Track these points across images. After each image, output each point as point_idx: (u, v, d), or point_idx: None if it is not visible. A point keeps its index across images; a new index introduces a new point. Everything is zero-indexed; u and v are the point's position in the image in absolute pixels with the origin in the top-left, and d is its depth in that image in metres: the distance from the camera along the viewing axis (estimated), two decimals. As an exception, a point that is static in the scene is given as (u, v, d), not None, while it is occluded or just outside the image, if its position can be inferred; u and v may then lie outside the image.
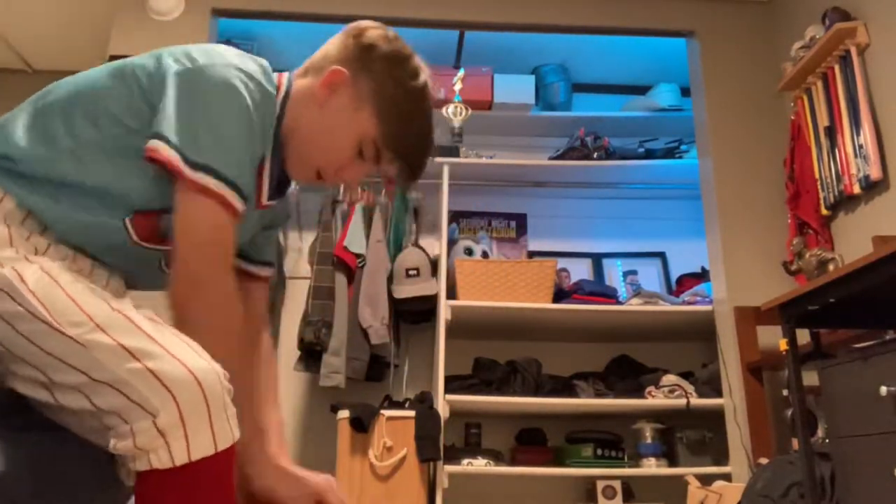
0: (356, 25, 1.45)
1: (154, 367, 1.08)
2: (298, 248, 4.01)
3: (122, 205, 1.28)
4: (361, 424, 3.24)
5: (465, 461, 3.40)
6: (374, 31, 1.43)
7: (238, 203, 1.27)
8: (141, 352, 1.09)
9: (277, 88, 1.41)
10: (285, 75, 1.45)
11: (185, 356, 1.11)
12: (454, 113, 3.99)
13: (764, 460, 2.90)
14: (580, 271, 4.11)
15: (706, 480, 3.08)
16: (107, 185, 1.27)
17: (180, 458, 1.06)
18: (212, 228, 1.26)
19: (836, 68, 3.13)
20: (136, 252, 1.33)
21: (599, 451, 3.48)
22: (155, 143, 1.24)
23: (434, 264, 3.71)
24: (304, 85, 1.43)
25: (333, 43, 1.46)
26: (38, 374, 1.14)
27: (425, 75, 1.44)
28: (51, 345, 1.12)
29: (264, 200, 1.46)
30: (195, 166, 1.24)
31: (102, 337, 1.11)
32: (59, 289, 1.16)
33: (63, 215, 1.26)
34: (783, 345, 2.38)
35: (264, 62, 1.41)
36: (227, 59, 1.32)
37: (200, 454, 1.08)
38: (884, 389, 1.88)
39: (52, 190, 1.26)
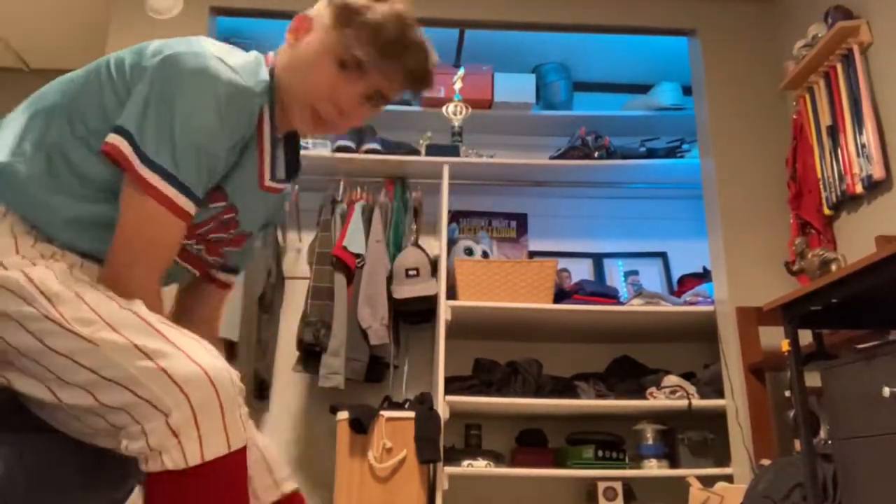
0: None
1: (166, 365, 1.07)
2: (297, 249, 4.00)
3: (115, 196, 1.27)
4: (361, 425, 3.22)
5: (466, 462, 3.39)
6: None
7: (188, 207, 1.26)
8: (153, 351, 1.09)
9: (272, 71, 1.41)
10: (270, 54, 1.45)
11: (197, 355, 1.10)
12: (454, 112, 3.98)
13: (766, 461, 2.88)
14: (581, 271, 4.09)
15: (708, 482, 3.06)
16: (96, 177, 1.26)
17: (193, 459, 1.05)
18: (153, 234, 1.24)
19: (839, 67, 3.11)
20: None
21: (600, 453, 3.47)
22: (113, 137, 1.23)
23: (434, 264, 3.70)
24: (279, 51, 1.45)
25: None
26: (45, 372, 1.13)
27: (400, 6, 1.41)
28: (61, 344, 1.11)
29: (267, 181, 1.44)
30: (150, 164, 1.22)
31: (113, 335, 1.10)
32: (67, 290, 1.15)
33: (62, 221, 1.25)
34: (785, 345, 2.37)
35: (254, 53, 1.40)
36: (205, 50, 1.30)
37: (214, 454, 1.07)
38: (886, 390, 1.87)
39: (49, 195, 1.25)
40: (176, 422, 1.05)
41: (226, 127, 1.28)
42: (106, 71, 1.31)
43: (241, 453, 1.11)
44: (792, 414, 2.73)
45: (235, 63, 1.32)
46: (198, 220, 1.38)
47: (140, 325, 1.12)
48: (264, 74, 1.39)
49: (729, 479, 3.23)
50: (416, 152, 3.93)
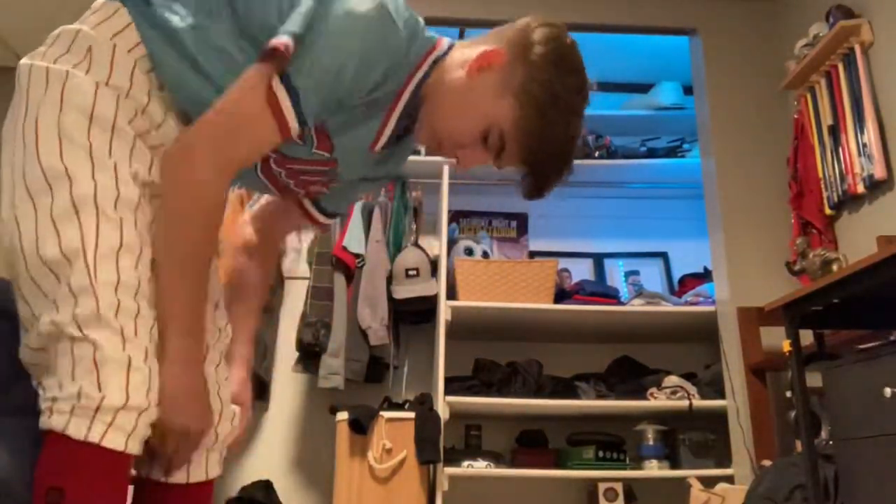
0: (536, 17, 1.38)
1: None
2: (297, 249, 3.99)
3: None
4: (360, 426, 3.21)
5: (466, 463, 3.38)
6: (549, 28, 1.35)
7: (293, 129, 1.25)
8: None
9: (434, 47, 1.37)
10: (447, 40, 1.41)
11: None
12: (454, 112, 3.96)
13: (767, 462, 2.87)
14: (581, 271, 4.08)
15: (709, 483, 3.05)
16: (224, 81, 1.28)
17: None
18: (250, 131, 1.24)
19: (840, 66, 3.10)
20: None
21: (601, 453, 3.46)
22: (281, 38, 1.22)
23: (434, 264, 3.69)
24: (463, 54, 1.36)
25: (508, 24, 1.39)
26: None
27: (584, 93, 1.35)
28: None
29: (379, 146, 1.42)
30: (287, 81, 1.21)
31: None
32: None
33: (190, 89, 1.28)
34: (786, 346, 2.36)
35: (420, 19, 1.37)
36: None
37: None
38: (888, 391, 1.86)
39: (189, 62, 1.27)
40: None
41: (371, 79, 1.28)
42: None
43: None
44: (793, 414, 2.72)
45: (402, 12, 1.31)
46: (294, 155, 1.38)
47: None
48: (422, 45, 1.36)
49: (730, 479, 3.22)
50: (417, 152, 3.90)
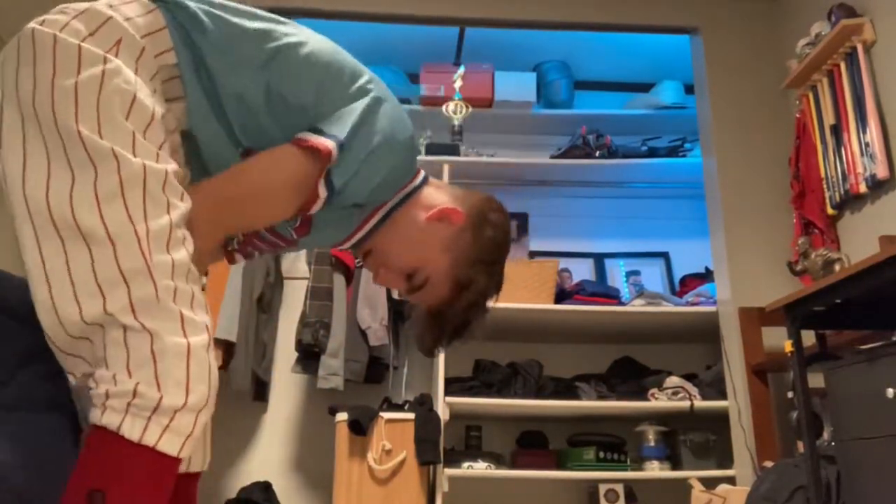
0: (493, 198, 1.54)
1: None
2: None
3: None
4: (360, 427, 3.20)
5: (466, 464, 3.36)
6: (502, 216, 1.51)
7: (310, 209, 1.29)
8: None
9: (415, 175, 1.47)
10: (422, 172, 1.50)
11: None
12: (454, 111, 3.96)
13: (769, 463, 2.86)
14: (582, 272, 4.07)
15: (710, 484, 3.04)
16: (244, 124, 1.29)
17: None
18: (267, 206, 1.27)
19: (842, 65, 3.09)
20: None
21: (602, 454, 3.45)
22: (317, 138, 1.25)
23: (434, 264, 3.67)
24: (432, 197, 1.47)
25: (473, 193, 1.54)
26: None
27: (499, 285, 1.51)
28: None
29: (342, 247, 1.50)
30: (327, 175, 1.26)
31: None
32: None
33: (204, 116, 1.27)
34: (788, 346, 2.35)
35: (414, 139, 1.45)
36: (409, 128, 1.40)
37: None
38: (890, 391, 1.85)
39: (212, 96, 1.28)
40: None
41: (382, 194, 1.39)
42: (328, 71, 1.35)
43: None
44: (795, 415, 2.70)
45: (413, 147, 1.44)
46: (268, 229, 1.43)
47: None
48: (409, 176, 1.45)
49: (731, 480, 3.21)
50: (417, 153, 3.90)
